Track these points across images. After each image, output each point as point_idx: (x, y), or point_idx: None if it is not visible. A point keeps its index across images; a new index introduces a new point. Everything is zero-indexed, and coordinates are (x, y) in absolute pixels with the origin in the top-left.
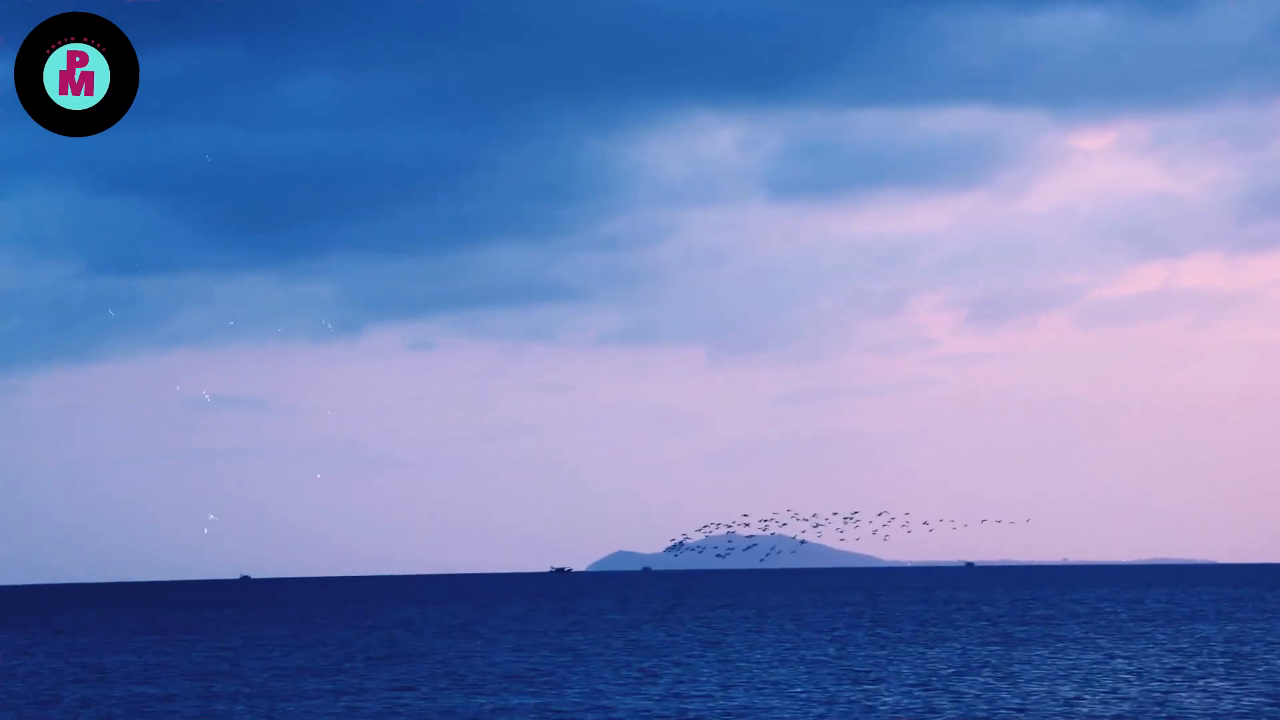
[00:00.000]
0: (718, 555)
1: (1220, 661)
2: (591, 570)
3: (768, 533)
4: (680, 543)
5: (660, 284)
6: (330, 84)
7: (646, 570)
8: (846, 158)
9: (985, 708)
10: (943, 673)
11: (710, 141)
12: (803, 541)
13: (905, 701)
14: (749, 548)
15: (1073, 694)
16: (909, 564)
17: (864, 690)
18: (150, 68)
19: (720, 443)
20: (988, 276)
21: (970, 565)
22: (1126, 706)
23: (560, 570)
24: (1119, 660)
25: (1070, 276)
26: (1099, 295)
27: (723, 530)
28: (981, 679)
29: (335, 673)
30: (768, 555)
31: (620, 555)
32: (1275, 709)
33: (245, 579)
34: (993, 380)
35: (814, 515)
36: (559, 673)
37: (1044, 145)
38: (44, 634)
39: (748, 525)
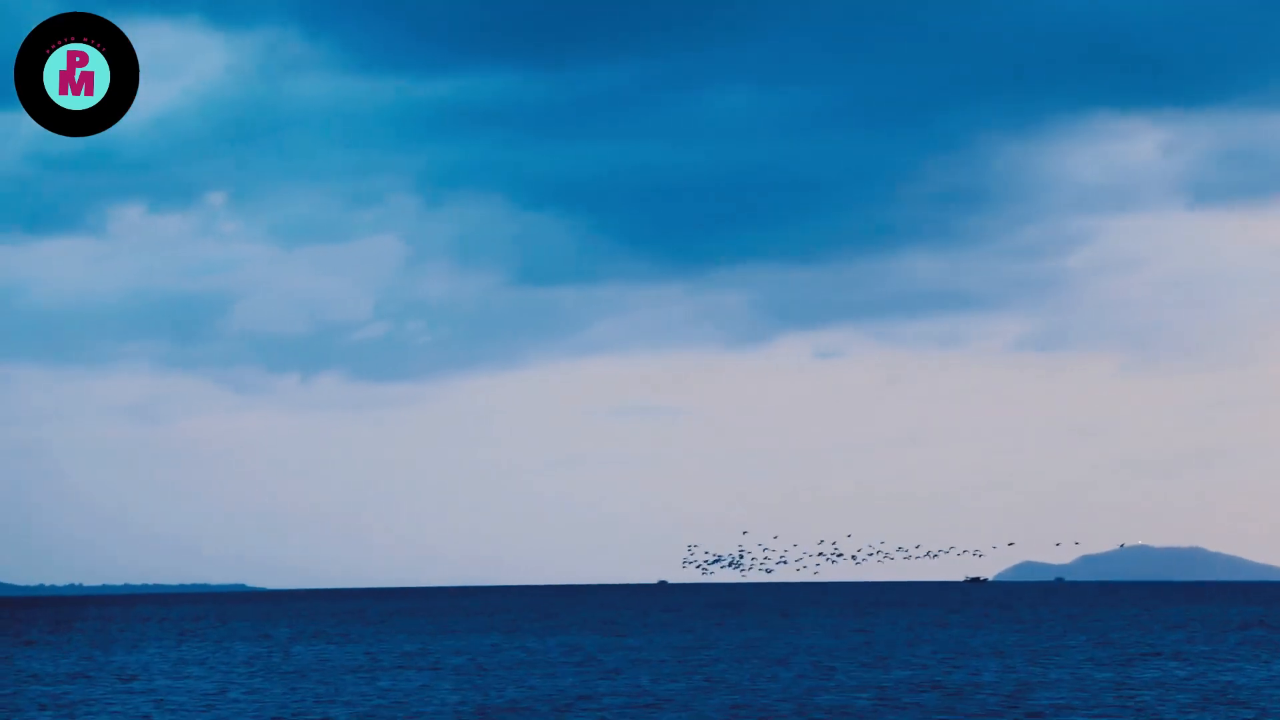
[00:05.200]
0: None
1: None
2: (1000, 580)
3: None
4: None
5: (1074, 292)
6: (747, 96)
7: (1060, 581)
8: (1274, 162)
9: None
10: None
11: (1130, 147)
12: (1192, 548)
13: None
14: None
15: None
16: None
17: None
18: (574, 85)
19: (1133, 452)
20: None
21: None
22: None
23: (975, 580)
24: None
25: None
26: None
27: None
28: None
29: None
30: (1167, 565)
31: (1027, 565)
32: None
33: (663, 584)
34: None
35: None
36: None
37: None
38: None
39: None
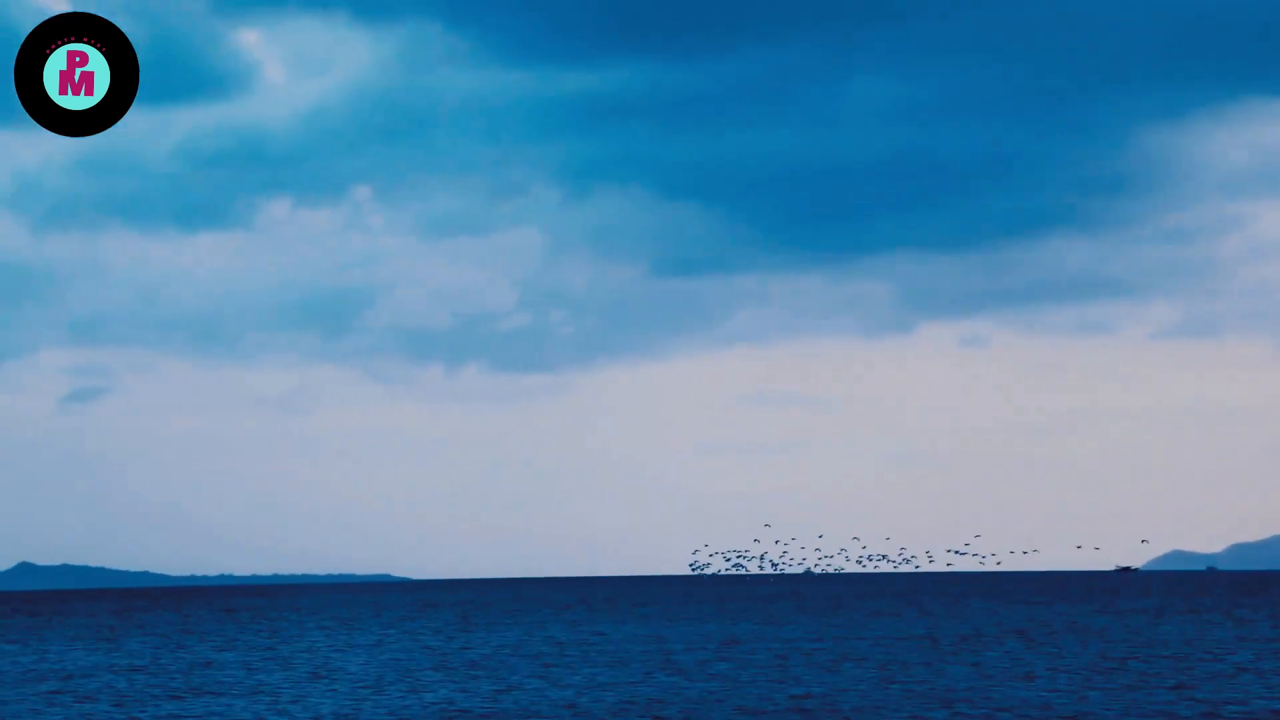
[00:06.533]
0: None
1: None
2: (1149, 569)
3: None
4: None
5: (1224, 277)
6: (888, 83)
7: (1211, 570)
8: None
9: None
10: None
11: None
12: None
13: None
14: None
15: None
16: None
17: None
18: (713, 74)
19: None
20: None
21: None
22: None
23: (1125, 569)
24: None
25: None
26: None
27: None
28: None
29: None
30: None
31: (1176, 555)
32: None
33: (808, 573)
34: None
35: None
36: None
37: None
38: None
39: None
